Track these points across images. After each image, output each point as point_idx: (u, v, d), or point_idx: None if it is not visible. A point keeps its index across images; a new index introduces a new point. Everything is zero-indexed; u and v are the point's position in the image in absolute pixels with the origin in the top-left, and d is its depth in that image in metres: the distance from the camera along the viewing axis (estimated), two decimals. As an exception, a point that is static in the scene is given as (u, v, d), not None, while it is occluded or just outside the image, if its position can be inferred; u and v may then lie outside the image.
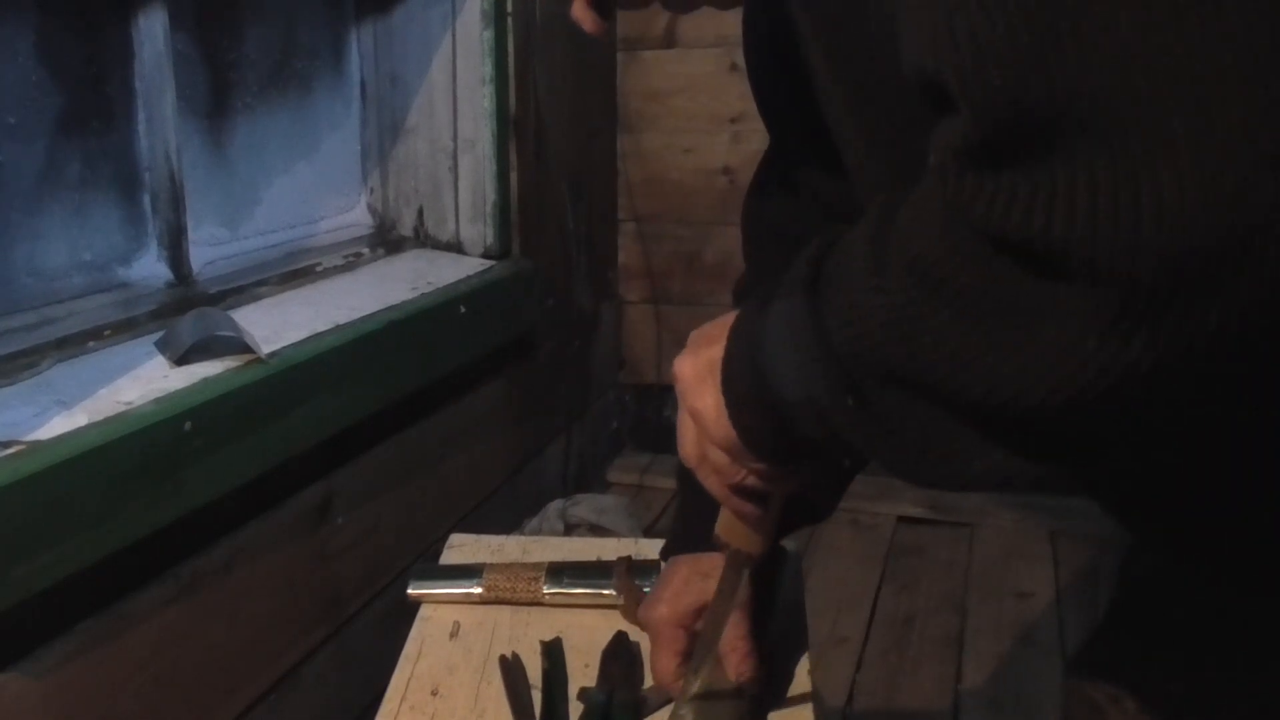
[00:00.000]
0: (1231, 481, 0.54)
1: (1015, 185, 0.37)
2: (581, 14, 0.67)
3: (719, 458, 0.61)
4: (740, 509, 0.64)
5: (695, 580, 0.76)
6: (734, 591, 0.70)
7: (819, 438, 0.53)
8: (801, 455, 0.58)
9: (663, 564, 0.84)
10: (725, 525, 0.68)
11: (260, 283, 1.46)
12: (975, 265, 0.40)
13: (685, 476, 0.75)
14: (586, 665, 0.81)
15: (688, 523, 0.81)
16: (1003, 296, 0.40)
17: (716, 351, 0.58)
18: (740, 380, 0.56)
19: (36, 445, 0.92)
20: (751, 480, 0.61)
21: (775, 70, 0.72)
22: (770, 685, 0.76)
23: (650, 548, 0.96)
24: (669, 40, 2.31)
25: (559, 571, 0.89)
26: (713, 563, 0.76)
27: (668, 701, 0.75)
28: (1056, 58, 0.35)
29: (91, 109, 1.24)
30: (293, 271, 1.53)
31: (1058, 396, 0.40)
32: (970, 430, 0.46)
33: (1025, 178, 0.37)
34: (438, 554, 0.99)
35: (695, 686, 0.73)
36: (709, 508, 0.69)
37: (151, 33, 1.26)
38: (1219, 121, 0.34)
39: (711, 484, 0.63)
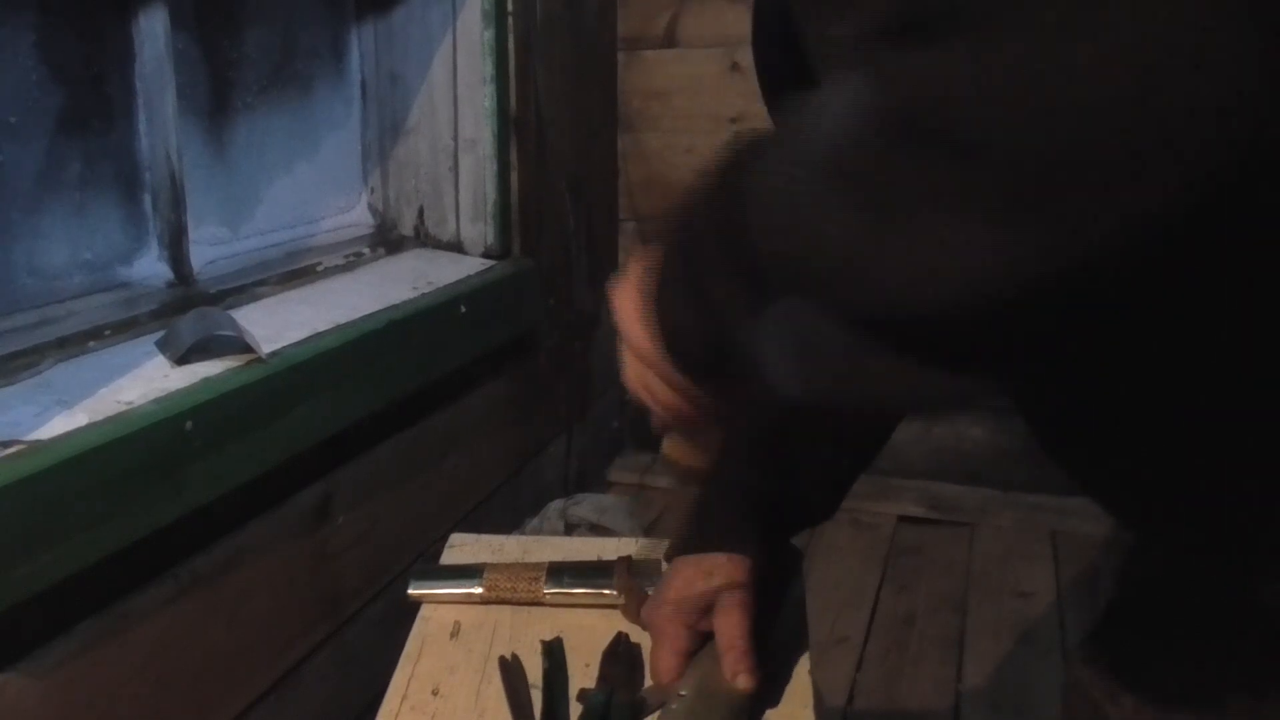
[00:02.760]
0: (1230, 478, 0.54)
1: (929, 60, 0.37)
2: None
3: (639, 369, 0.59)
4: (680, 420, 0.62)
5: (700, 579, 0.76)
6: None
7: (720, 331, 0.52)
8: (709, 359, 0.56)
9: (664, 565, 0.84)
10: (669, 444, 0.67)
11: (260, 283, 1.46)
12: (883, 151, 0.40)
13: None
14: (587, 665, 0.80)
15: (692, 524, 0.81)
16: (906, 181, 0.40)
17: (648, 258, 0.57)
18: (660, 275, 0.55)
19: (36, 445, 0.92)
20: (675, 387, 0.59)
21: (782, 61, 0.72)
22: (769, 684, 0.76)
23: (650, 548, 0.96)
24: (669, 40, 2.31)
25: (559, 571, 0.89)
26: (717, 563, 0.76)
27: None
28: None
29: (91, 109, 1.24)
30: (293, 271, 1.53)
31: (953, 289, 0.40)
32: (867, 336, 0.45)
33: (939, 52, 0.37)
34: (438, 554, 0.99)
35: (689, 684, 0.74)
36: (714, 509, 0.69)
37: (152, 32, 1.26)
38: (1139, 12, 0.33)
39: (645, 400, 0.61)
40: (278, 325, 1.30)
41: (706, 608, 0.76)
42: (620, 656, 0.81)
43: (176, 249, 1.33)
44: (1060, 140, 0.35)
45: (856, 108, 0.40)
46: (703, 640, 0.77)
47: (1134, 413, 0.52)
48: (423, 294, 1.52)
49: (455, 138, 1.76)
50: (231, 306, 1.35)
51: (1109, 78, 0.34)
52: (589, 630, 0.84)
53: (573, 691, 0.78)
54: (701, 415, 0.60)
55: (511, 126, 1.80)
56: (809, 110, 0.44)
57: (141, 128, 1.29)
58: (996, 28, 0.35)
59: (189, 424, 1.04)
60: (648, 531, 1.95)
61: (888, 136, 0.39)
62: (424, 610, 0.89)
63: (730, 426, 0.65)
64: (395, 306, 1.44)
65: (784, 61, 0.71)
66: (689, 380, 0.57)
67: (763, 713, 0.75)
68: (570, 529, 1.78)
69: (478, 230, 1.78)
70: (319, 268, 1.58)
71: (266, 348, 1.19)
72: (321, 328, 1.31)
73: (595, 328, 2.33)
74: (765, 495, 0.79)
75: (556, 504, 1.84)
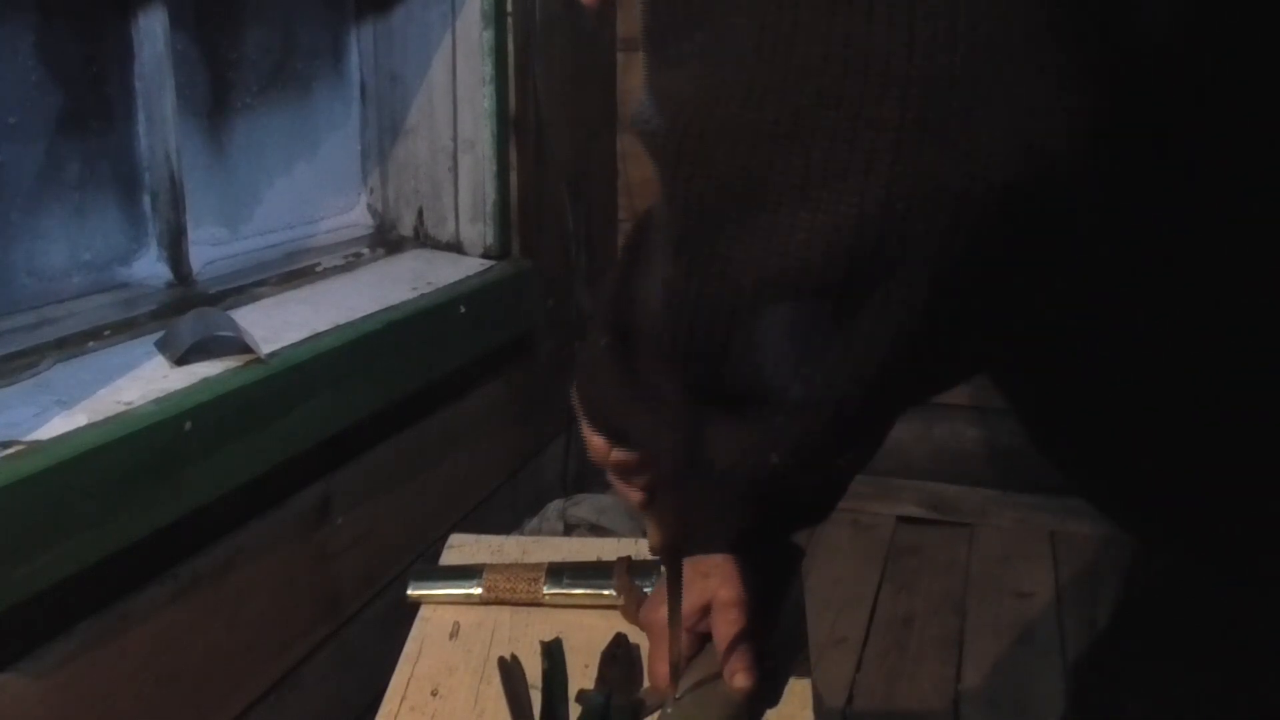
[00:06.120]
0: (1226, 480, 0.54)
1: (651, 76, 0.39)
2: None
3: (583, 425, 0.62)
4: (619, 490, 0.65)
5: (696, 581, 0.76)
6: (671, 588, 0.72)
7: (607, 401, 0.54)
8: (616, 430, 0.59)
9: (662, 567, 0.84)
10: (649, 531, 0.70)
11: (260, 283, 1.46)
12: (662, 189, 0.41)
13: None
14: (586, 666, 0.81)
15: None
16: (659, 212, 0.41)
17: None
18: (586, 342, 0.58)
19: (36, 445, 0.92)
20: (604, 451, 0.61)
21: None
22: (768, 684, 0.76)
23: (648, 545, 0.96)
24: (669, 40, 2.31)
25: (559, 572, 0.89)
26: (712, 563, 0.76)
27: (666, 703, 0.75)
28: None
29: (91, 109, 1.24)
30: (293, 271, 1.53)
31: (658, 327, 0.41)
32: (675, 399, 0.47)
33: (660, 72, 0.38)
34: (438, 554, 0.99)
35: (685, 684, 0.74)
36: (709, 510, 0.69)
37: (151, 33, 1.26)
38: (793, 54, 0.34)
39: (590, 455, 0.64)
40: (277, 326, 1.30)
41: (704, 609, 0.76)
42: (619, 658, 0.81)
43: (176, 249, 1.33)
44: (736, 173, 0.36)
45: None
46: (701, 642, 0.77)
47: (1124, 414, 0.52)
48: (422, 294, 1.52)
49: (454, 138, 1.76)
50: (231, 307, 1.35)
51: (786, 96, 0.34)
52: (588, 631, 0.84)
53: (572, 692, 0.78)
54: (634, 474, 0.63)
55: (511, 127, 1.80)
56: None
57: (141, 128, 1.29)
58: (702, 42, 0.36)
59: (188, 424, 1.04)
60: (647, 532, 1.95)
61: (661, 170, 0.40)
62: (423, 611, 0.89)
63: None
64: (395, 307, 1.44)
65: None
66: (609, 444, 0.60)
67: (761, 713, 0.75)
68: (570, 529, 1.78)
69: (477, 231, 1.78)
70: (318, 268, 1.58)
71: (266, 348, 1.19)
72: (321, 328, 1.31)
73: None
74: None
75: (556, 504, 1.84)
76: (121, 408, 1.01)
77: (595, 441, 0.61)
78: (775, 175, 0.35)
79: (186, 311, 1.25)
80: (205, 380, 1.10)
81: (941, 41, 0.32)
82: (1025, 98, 0.33)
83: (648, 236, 0.46)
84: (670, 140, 0.36)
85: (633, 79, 2.35)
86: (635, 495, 0.65)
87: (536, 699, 0.77)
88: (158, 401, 1.04)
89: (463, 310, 1.57)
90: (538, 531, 1.77)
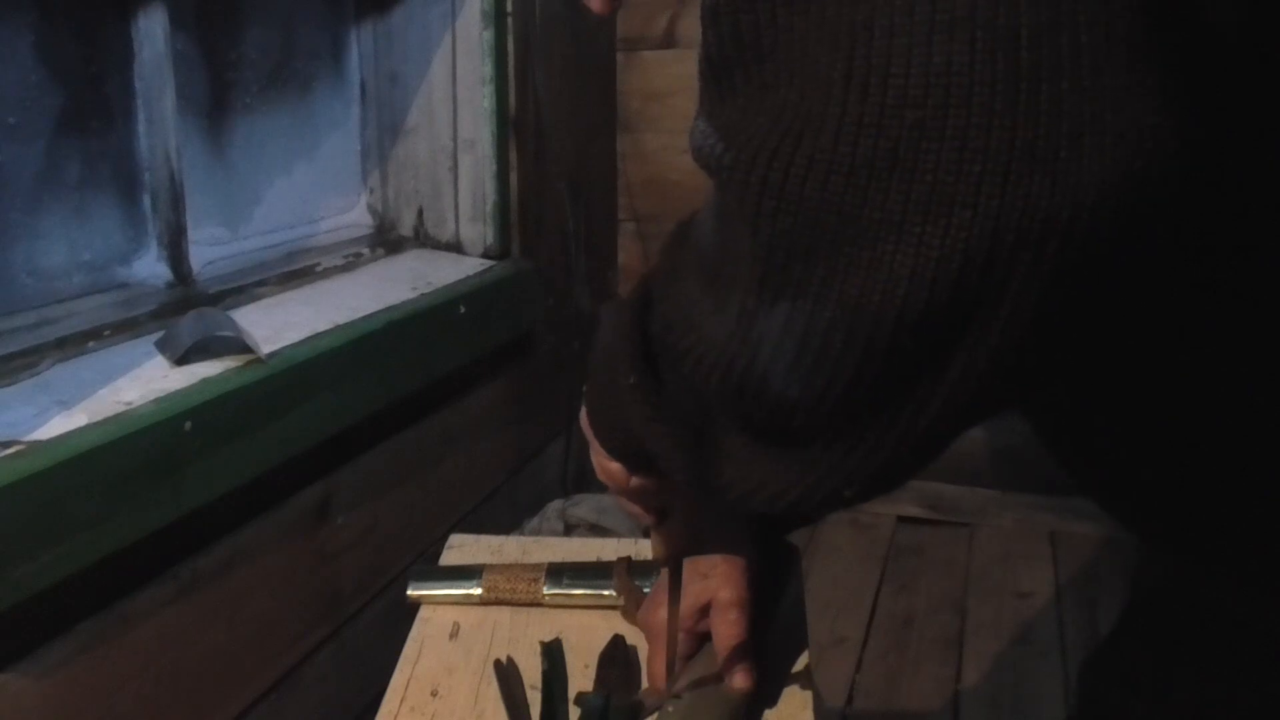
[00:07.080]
0: (1230, 482, 0.54)
1: (713, 107, 0.38)
2: None
3: (596, 452, 0.62)
4: (629, 510, 0.65)
5: (695, 581, 0.76)
6: (671, 591, 0.72)
7: (631, 432, 0.53)
8: (638, 458, 0.57)
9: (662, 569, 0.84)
10: (653, 541, 0.70)
11: (260, 283, 1.46)
12: (714, 225, 0.41)
13: None
14: (586, 666, 0.81)
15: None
16: (708, 240, 0.41)
17: None
18: (592, 368, 0.58)
19: (36, 445, 0.92)
20: (622, 479, 0.61)
21: None
22: (765, 683, 0.76)
23: (650, 548, 0.96)
24: (669, 40, 2.31)
25: (559, 572, 0.89)
26: (712, 564, 0.76)
27: (665, 704, 0.75)
28: None
29: (91, 109, 1.24)
30: (293, 271, 1.53)
31: (727, 360, 0.40)
32: (722, 424, 0.45)
33: (726, 102, 0.38)
34: (438, 554, 0.99)
35: (683, 684, 0.74)
36: (706, 510, 0.69)
37: (151, 33, 1.26)
38: (888, 86, 0.33)
39: (603, 480, 0.64)
40: (277, 325, 1.30)
41: (703, 609, 0.76)
42: (617, 659, 0.81)
43: (176, 249, 1.33)
44: (785, 208, 0.35)
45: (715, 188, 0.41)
46: (700, 642, 0.77)
47: (1137, 416, 0.52)
48: (422, 294, 1.52)
49: (454, 138, 1.76)
50: (231, 307, 1.35)
51: (837, 161, 0.34)
52: (588, 631, 0.84)
53: (571, 693, 0.78)
54: (652, 498, 0.63)
55: (511, 127, 1.80)
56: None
57: (141, 128, 1.29)
58: (774, 74, 0.35)
59: (188, 424, 1.04)
60: (647, 532, 1.95)
61: (716, 208, 0.40)
62: (423, 611, 0.89)
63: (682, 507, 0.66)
64: (394, 307, 1.44)
65: None
66: (627, 471, 0.60)
67: (761, 713, 0.75)
68: (570, 529, 1.78)
69: (477, 231, 1.78)
70: (318, 268, 1.58)
71: (266, 348, 1.19)
72: (321, 328, 1.31)
73: (594, 328, 2.33)
74: None
75: (556, 504, 1.84)
76: (121, 408, 1.01)
77: (612, 468, 0.60)
78: (872, 209, 0.34)
79: (186, 311, 1.25)
80: (205, 380, 1.10)
81: (1047, 67, 0.32)
82: (1129, 121, 0.33)
83: (683, 262, 0.44)
84: (752, 174, 0.35)
85: (633, 79, 2.35)
86: (648, 516, 0.65)
87: (535, 699, 0.77)
88: (158, 401, 1.04)
89: (462, 310, 1.57)
90: (538, 531, 1.77)
